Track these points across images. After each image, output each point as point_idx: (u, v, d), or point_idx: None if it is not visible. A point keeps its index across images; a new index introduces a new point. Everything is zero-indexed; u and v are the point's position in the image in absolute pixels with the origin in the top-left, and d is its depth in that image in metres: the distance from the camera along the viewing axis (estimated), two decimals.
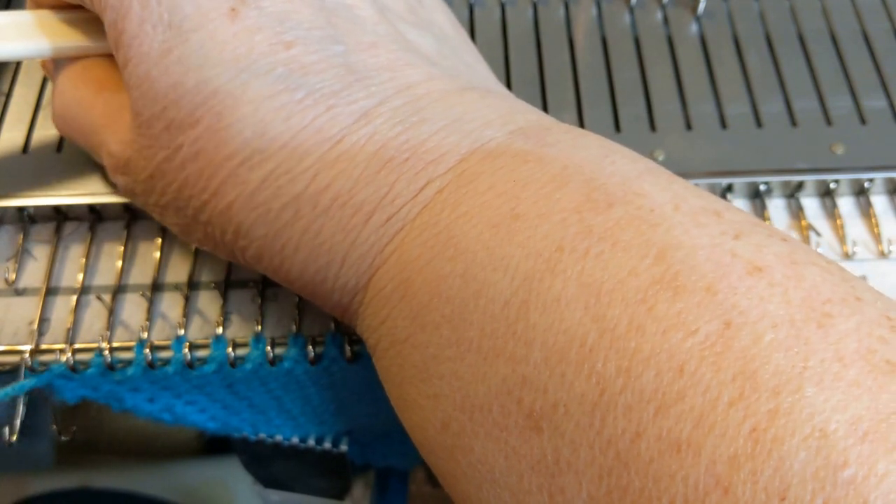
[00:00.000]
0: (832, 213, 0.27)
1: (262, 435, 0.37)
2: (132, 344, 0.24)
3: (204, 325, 0.25)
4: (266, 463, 0.42)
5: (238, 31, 0.20)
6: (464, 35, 0.26)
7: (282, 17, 0.20)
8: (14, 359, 0.24)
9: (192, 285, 0.26)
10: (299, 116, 0.20)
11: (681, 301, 0.16)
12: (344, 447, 0.39)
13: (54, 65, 0.24)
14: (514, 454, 0.17)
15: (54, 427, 0.27)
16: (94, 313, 0.25)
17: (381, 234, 0.20)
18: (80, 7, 0.23)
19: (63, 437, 0.27)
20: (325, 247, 0.20)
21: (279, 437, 0.37)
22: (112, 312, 0.25)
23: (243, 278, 0.26)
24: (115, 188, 0.26)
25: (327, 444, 0.38)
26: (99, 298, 0.25)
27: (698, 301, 0.16)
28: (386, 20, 0.22)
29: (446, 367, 0.18)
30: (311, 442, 0.38)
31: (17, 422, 0.24)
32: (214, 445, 0.64)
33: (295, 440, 0.38)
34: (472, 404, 0.18)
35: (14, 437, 0.24)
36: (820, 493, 0.13)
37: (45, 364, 0.24)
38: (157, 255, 0.26)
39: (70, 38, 0.23)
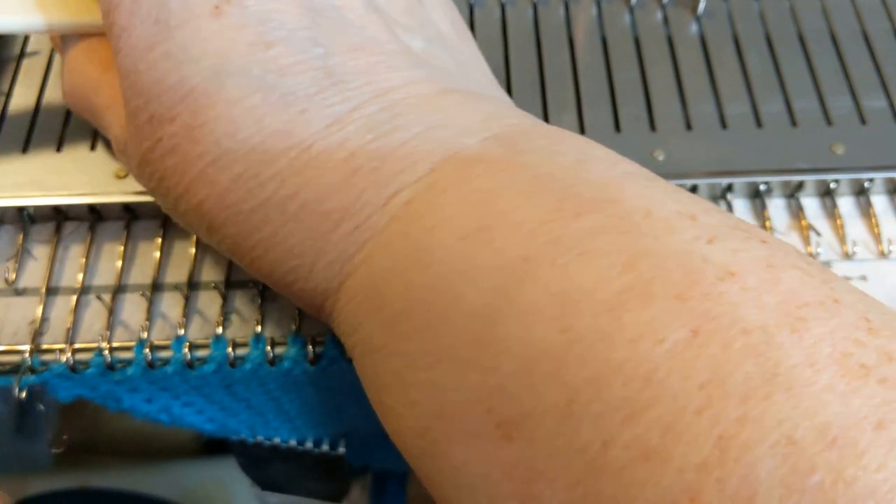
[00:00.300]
0: (832, 213, 0.27)
1: (260, 437, 0.37)
2: (132, 344, 0.24)
3: (204, 325, 0.25)
4: (263, 465, 0.42)
5: (220, 29, 0.20)
6: (464, 33, 0.26)
7: (265, 16, 0.20)
8: (14, 359, 0.24)
9: (192, 285, 0.26)
10: (271, 119, 0.19)
11: (649, 309, 0.16)
12: (342, 450, 0.39)
13: (63, 40, 0.24)
14: (489, 461, 0.17)
15: (49, 434, 0.27)
16: (94, 313, 0.25)
17: (349, 243, 0.20)
18: None
19: (55, 450, 0.27)
20: (295, 251, 0.20)
21: (277, 440, 0.37)
22: (112, 312, 0.25)
23: (243, 278, 0.26)
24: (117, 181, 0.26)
25: (325, 447, 0.38)
26: (99, 298, 0.25)
27: (667, 309, 0.16)
28: (376, 21, 0.22)
29: (421, 376, 0.18)
30: (309, 444, 0.38)
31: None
32: (213, 446, 0.64)
33: (292, 442, 0.38)
34: (447, 413, 0.18)
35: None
36: (787, 499, 0.13)
37: (45, 364, 0.24)
38: (157, 255, 0.26)
39: (67, 15, 0.23)
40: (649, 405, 0.15)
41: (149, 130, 0.20)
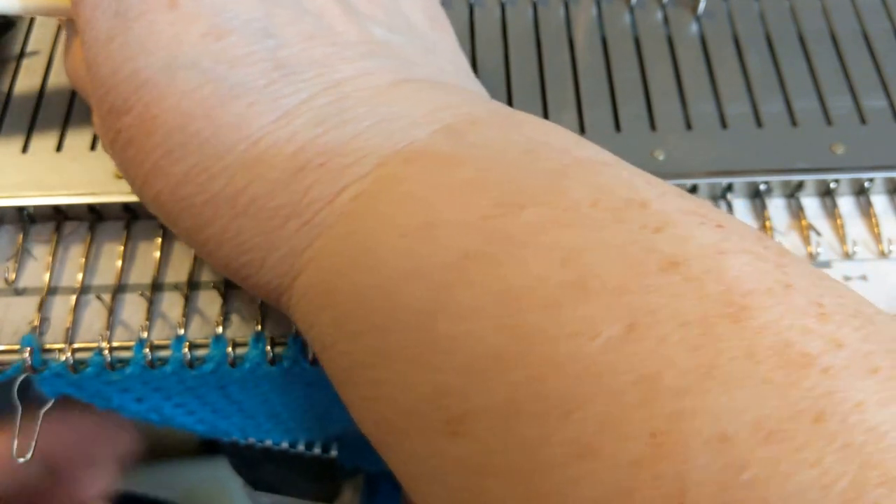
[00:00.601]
0: (832, 212, 0.27)
1: (252, 439, 0.36)
2: (132, 344, 0.24)
3: (204, 324, 0.25)
4: (255, 466, 0.42)
5: (174, 21, 0.20)
6: (438, 23, 0.25)
7: (219, 6, 0.20)
8: (14, 358, 0.24)
9: (192, 285, 0.26)
10: (220, 111, 0.19)
11: (587, 305, 0.15)
12: (334, 452, 0.38)
13: (66, 23, 0.25)
14: (442, 456, 0.17)
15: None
16: (94, 313, 0.25)
17: (298, 240, 0.19)
18: None
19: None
20: (245, 246, 0.20)
21: (269, 442, 0.37)
22: (112, 312, 0.25)
23: None
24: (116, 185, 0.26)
25: (317, 450, 0.38)
26: (99, 298, 0.25)
27: (605, 303, 0.15)
28: (334, 9, 0.22)
29: (372, 374, 0.18)
30: (301, 447, 0.38)
31: None
32: (207, 446, 0.64)
33: (284, 445, 0.38)
34: (400, 409, 0.18)
35: None
36: (720, 496, 0.13)
37: (46, 363, 0.24)
38: (157, 255, 0.26)
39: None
40: (585, 402, 0.15)
41: (110, 121, 0.20)
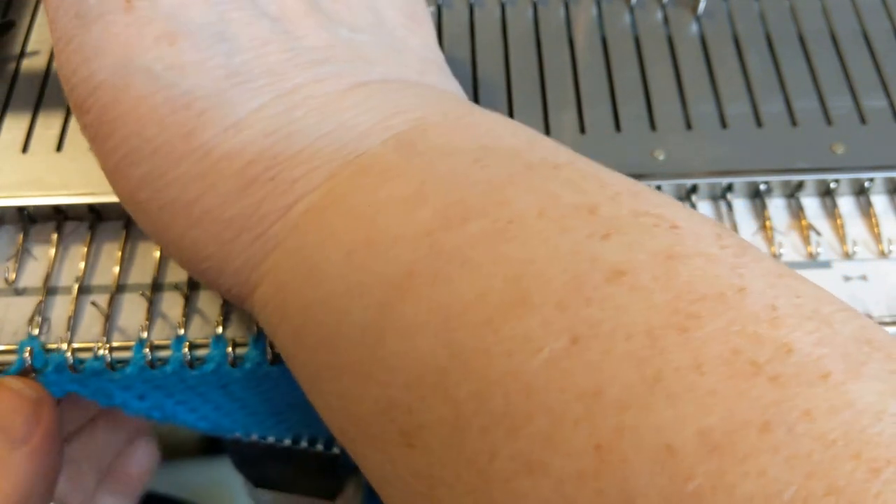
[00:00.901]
0: (832, 212, 0.27)
1: (255, 436, 0.36)
2: (132, 344, 0.24)
3: (204, 324, 0.25)
4: (257, 463, 0.42)
5: (129, 23, 0.20)
6: (416, 18, 0.25)
7: (173, 10, 0.20)
8: (14, 358, 0.24)
9: (192, 285, 0.26)
10: (172, 119, 0.19)
11: (528, 320, 0.15)
12: (336, 449, 0.38)
13: None
14: (397, 465, 0.17)
15: None
16: (94, 313, 0.25)
17: (252, 253, 0.19)
18: None
19: None
20: (203, 255, 0.20)
21: (272, 439, 0.37)
22: (111, 312, 0.25)
23: None
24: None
25: (319, 447, 0.38)
26: (94, 305, 0.25)
27: (546, 318, 0.15)
28: (294, 10, 0.21)
29: (328, 386, 0.18)
30: (304, 444, 0.38)
31: None
32: (213, 446, 0.64)
33: (287, 441, 0.38)
34: (356, 420, 0.18)
35: None
36: None
37: (47, 364, 0.24)
38: (157, 254, 0.26)
39: None
40: (529, 418, 0.15)
41: (77, 118, 0.21)
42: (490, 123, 0.20)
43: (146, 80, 0.19)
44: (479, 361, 0.15)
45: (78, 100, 0.20)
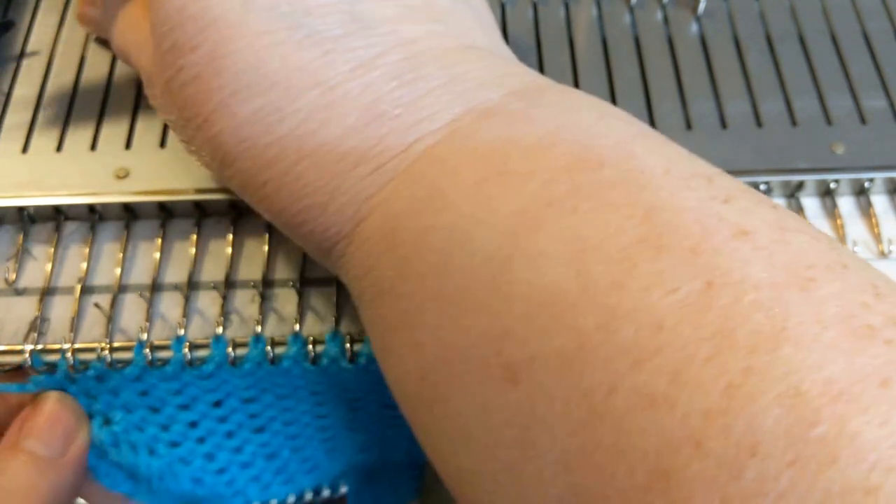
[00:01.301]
0: (832, 212, 0.27)
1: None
2: (132, 344, 0.24)
3: (204, 325, 0.25)
4: None
5: None
6: None
7: None
8: (15, 359, 0.24)
9: (192, 285, 0.26)
10: (295, 57, 0.20)
11: (664, 260, 0.16)
12: (343, 489, 0.37)
13: None
14: (490, 407, 0.17)
15: None
16: (94, 313, 0.25)
17: (366, 185, 0.20)
18: None
19: None
20: (308, 190, 0.20)
21: (274, 502, 0.36)
22: (112, 313, 0.25)
23: (243, 278, 0.26)
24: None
25: (325, 492, 0.37)
26: (97, 306, 0.25)
27: (681, 261, 0.16)
28: None
29: (428, 317, 0.18)
30: (309, 495, 0.36)
31: None
32: None
33: (290, 499, 0.36)
34: (452, 355, 0.18)
35: None
36: (790, 449, 0.14)
37: (47, 364, 0.24)
38: (157, 255, 0.26)
39: None
40: (657, 352, 0.15)
41: (171, 58, 0.21)
42: (592, 97, 0.21)
43: (269, 19, 0.20)
44: (611, 294, 0.16)
45: (183, 38, 0.20)
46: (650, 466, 0.14)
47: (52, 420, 0.24)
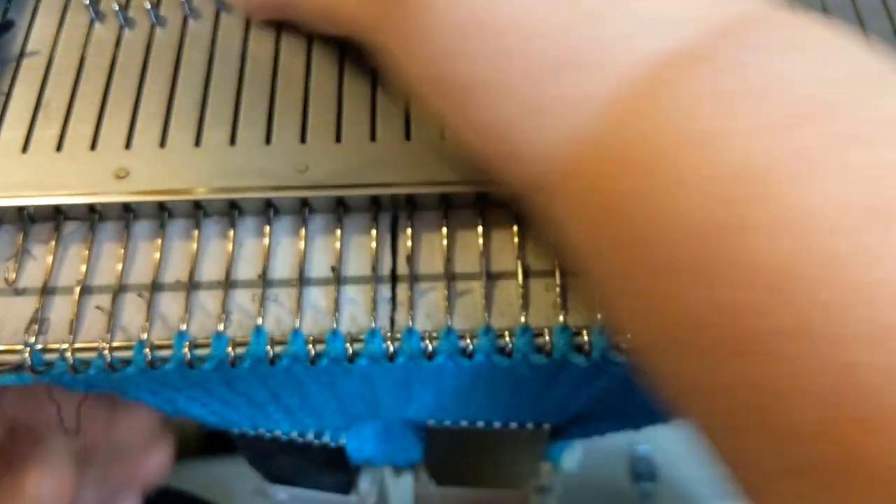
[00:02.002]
0: None
1: (261, 430, 0.37)
2: (132, 343, 0.24)
3: (205, 323, 0.25)
4: (269, 458, 0.42)
5: None
6: None
7: None
8: (14, 358, 0.24)
9: (192, 284, 0.26)
10: (510, 3, 0.19)
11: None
12: (342, 441, 0.38)
13: None
14: (724, 373, 0.16)
15: None
16: (94, 313, 0.25)
17: (563, 136, 0.19)
18: None
19: None
20: (503, 135, 0.20)
21: (278, 432, 0.37)
22: (112, 312, 0.25)
23: (244, 277, 0.26)
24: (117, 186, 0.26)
25: (326, 439, 0.38)
26: (99, 308, 0.25)
27: None
28: None
29: (642, 285, 0.18)
30: (310, 436, 0.38)
31: None
32: (218, 445, 0.64)
33: (293, 435, 0.38)
34: (669, 324, 0.17)
35: None
36: None
37: (47, 363, 0.24)
38: (157, 255, 0.26)
39: None
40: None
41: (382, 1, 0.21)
42: (818, 24, 0.19)
43: None
44: (841, 269, 0.15)
45: None
46: None
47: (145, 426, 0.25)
